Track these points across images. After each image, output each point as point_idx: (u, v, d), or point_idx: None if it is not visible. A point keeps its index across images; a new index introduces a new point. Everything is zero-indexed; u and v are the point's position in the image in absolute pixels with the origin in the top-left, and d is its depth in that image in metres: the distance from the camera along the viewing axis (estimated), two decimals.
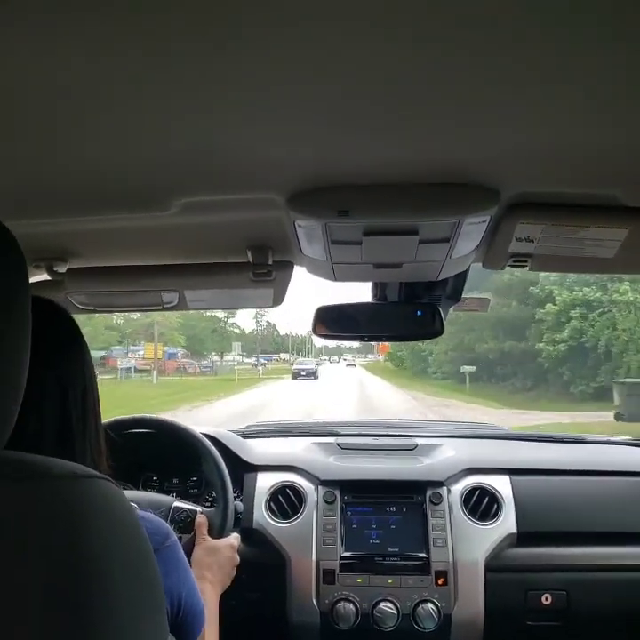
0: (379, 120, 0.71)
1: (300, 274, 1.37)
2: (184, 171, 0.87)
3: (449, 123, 0.73)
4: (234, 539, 1.42)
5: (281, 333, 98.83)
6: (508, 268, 1.23)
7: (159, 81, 0.61)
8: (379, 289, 1.54)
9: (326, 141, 0.78)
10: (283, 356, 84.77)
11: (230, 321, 62.00)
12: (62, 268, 1.27)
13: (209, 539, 1.37)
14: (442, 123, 0.73)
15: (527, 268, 1.20)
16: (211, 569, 1.29)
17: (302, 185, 0.92)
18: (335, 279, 1.29)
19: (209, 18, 0.50)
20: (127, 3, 0.47)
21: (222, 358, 54.60)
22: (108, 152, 0.79)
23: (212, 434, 1.73)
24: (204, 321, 51.12)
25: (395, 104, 0.67)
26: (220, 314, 54.78)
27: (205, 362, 49.38)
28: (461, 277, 1.46)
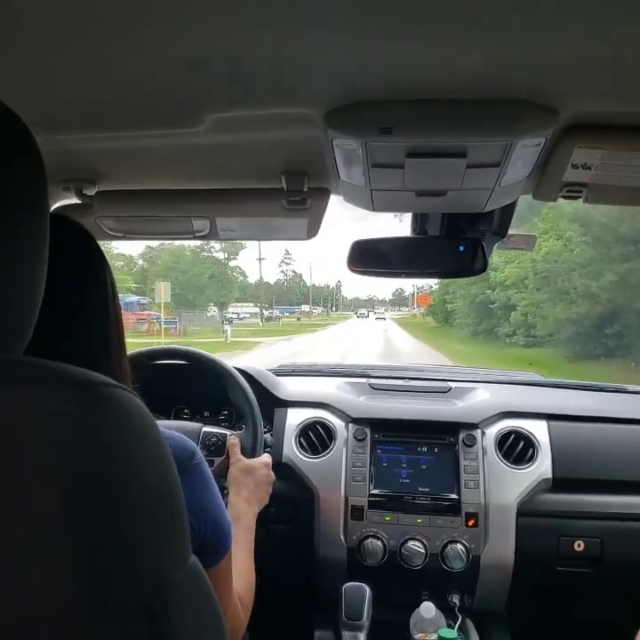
0: (425, 25, 0.64)
1: (333, 210, 1.34)
2: (215, 81, 0.81)
3: (502, 30, 0.65)
4: (267, 457, 1.44)
5: (308, 284, 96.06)
6: (559, 199, 1.15)
7: None
8: (419, 222, 1.46)
9: (368, 49, 0.71)
10: (304, 307, 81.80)
11: (232, 264, 54.71)
12: (91, 191, 1.24)
13: (243, 458, 1.39)
14: (495, 30, 0.65)
15: (581, 199, 1.12)
16: (248, 487, 1.31)
17: (341, 99, 0.85)
18: (374, 209, 1.22)
19: None
20: None
21: (221, 311, 46.32)
22: (137, 61, 0.74)
23: (243, 368, 1.72)
24: (197, 265, 45.26)
25: (439, 7, 0.61)
26: (222, 255, 50.17)
27: (208, 315, 41.56)
28: (508, 211, 1.37)
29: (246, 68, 0.76)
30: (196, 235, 1.39)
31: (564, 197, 1.12)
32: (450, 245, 1.42)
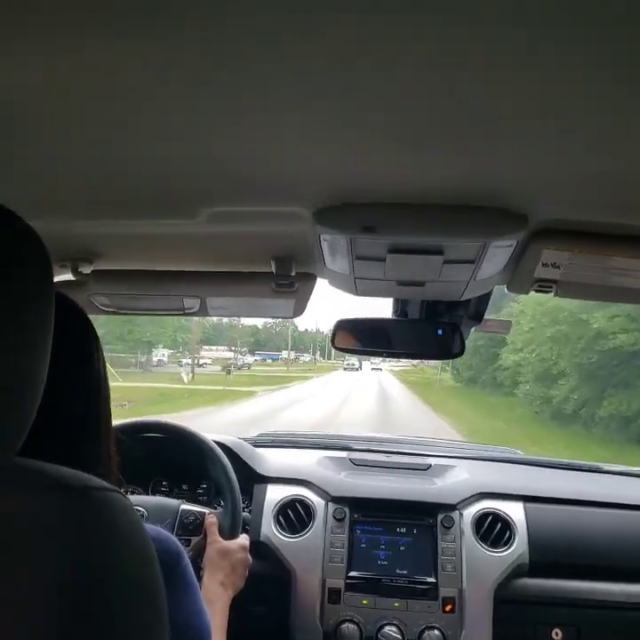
0: (408, 140, 0.71)
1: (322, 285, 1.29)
2: (214, 181, 0.87)
3: (480, 146, 0.72)
4: (244, 539, 1.41)
5: (300, 329, 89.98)
6: (531, 292, 1.21)
7: (195, 91, 0.60)
8: (400, 305, 1.53)
9: (355, 158, 0.77)
10: (285, 353, 71.69)
11: None
12: (87, 269, 1.28)
13: (220, 539, 1.36)
14: (473, 146, 0.72)
15: (552, 293, 1.18)
16: (224, 570, 1.29)
17: (330, 200, 0.91)
18: (357, 293, 1.28)
19: (246, 31, 0.50)
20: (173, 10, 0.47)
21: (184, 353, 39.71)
22: (140, 159, 0.80)
23: (222, 441, 1.72)
24: None
25: (425, 124, 0.67)
26: None
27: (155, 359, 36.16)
28: (485, 299, 1.44)
29: (243, 169, 0.82)
30: (187, 312, 1.43)
31: (536, 291, 1.18)
32: (429, 329, 1.47)
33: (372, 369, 61.07)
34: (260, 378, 33.73)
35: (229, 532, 1.42)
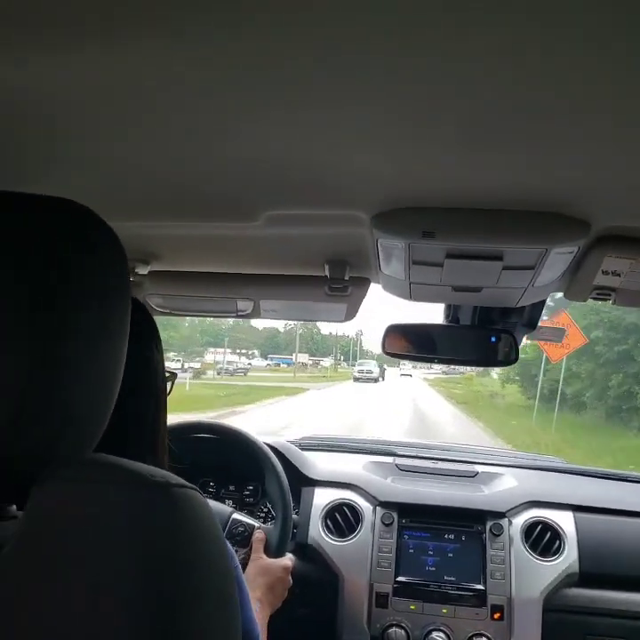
0: (469, 144, 0.71)
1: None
2: (273, 184, 0.88)
3: (541, 151, 0.72)
4: (289, 560, 1.40)
5: (323, 332, 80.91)
6: (589, 300, 1.20)
7: (255, 92, 0.61)
8: (452, 311, 1.53)
9: (415, 162, 0.78)
10: (302, 357, 65.22)
11: None
12: (144, 270, 1.31)
13: (264, 557, 1.35)
14: (534, 151, 0.72)
15: (611, 301, 1.17)
16: (262, 588, 1.27)
17: (388, 204, 0.92)
18: (411, 299, 1.28)
19: (306, 37, 0.50)
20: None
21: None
22: (198, 160, 0.81)
23: (273, 444, 1.73)
24: None
25: (486, 128, 0.67)
26: None
27: None
28: (539, 306, 1.43)
29: (302, 172, 0.83)
30: (240, 314, 1.46)
31: (594, 299, 1.17)
32: (482, 335, 1.47)
33: (402, 375, 52.97)
34: (229, 389, 23.70)
35: (276, 550, 1.39)
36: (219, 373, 37.55)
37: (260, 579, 1.29)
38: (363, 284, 1.31)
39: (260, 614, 1.21)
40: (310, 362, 67.71)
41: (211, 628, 0.46)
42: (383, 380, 39.03)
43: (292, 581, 1.36)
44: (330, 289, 1.28)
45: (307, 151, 0.76)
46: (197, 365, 38.73)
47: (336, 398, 23.83)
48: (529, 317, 1.47)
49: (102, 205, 0.79)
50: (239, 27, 0.49)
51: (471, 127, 0.67)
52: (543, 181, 0.81)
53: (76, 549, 0.43)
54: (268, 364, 56.33)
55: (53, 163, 0.84)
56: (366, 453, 2.05)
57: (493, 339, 1.43)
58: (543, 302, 1.42)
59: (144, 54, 0.54)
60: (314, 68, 0.55)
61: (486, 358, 1.49)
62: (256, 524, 1.44)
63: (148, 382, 0.77)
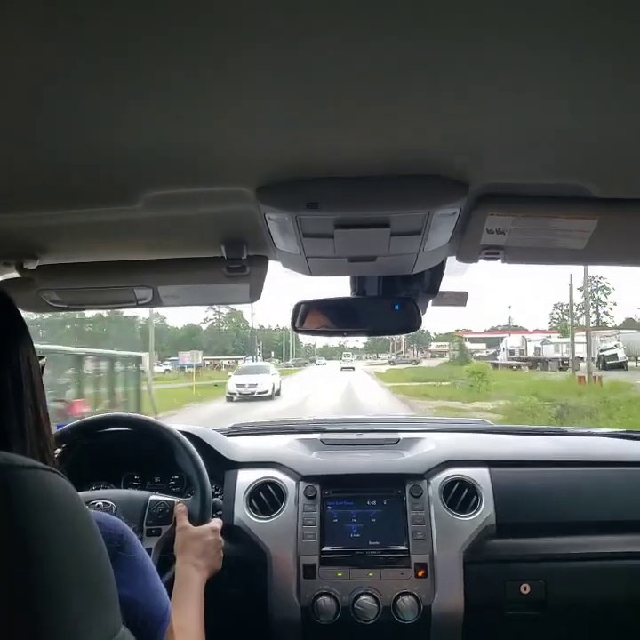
0: (346, 111, 0.72)
1: (276, 267, 1.31)
2: (152, 163, 0.86)
3: (417, 114, 0.73)
4: (216, 522, 1.43)
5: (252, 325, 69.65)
6: (480, 260, 1.24)
7: (127, 74, 0.60)
8: (358, 283, 1.55)
9: (294, 132, 0.78)
10: (247, 360, 52.52)
11: None
12: (32, 265, 1.26)
13: (189, 525, 1.38)
14: (410, 114, 0.73)
15: (499, 260, 1.21)
16: (195, 552, 1.31)
17: (271, 177, 0.92)
18: (311, 273, 1.29)
19: (190, 14, 0.50)
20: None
21: None
22: (77, 145, 0.79)
23: (190, 431, 1.72)
24: None
25: (364, 95, 0.67)
26: None
27: None
28: (438, 271, 1.47)
29: (177, 149, 0.81)
30: (139, 303, 1.42)
31: (485, 259, 1.21)
32: (386, 305, 1.50)
33: (343, 368, 46.47)
34: None
35: (199, 518, 1.43)
36: None
37: (190, 544, 1.32)
38: (261, 262, 1.30)
39: (197, 577, 1.24)
40: (206, 362, 52.14)
41: (64, 606, 0.44)
42: (279, 395, 22.08)
43: (223, 541, 1.40)
44: (228, 270, 1.27)
45: (179, 128, 0.75)
46: None
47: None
48: (430, 283, 1.51)
49: None
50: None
51: (342, 96, 0.68)
52: (417, 145, 0.83)
53: None
54: (166, 370, 44.66)
55: None
56: (295, 433, 2.06)
57: (397, 307, 1.47)
58: (442, 267, 1.46)
59: (14, 40, 0.52)
60: (179, 44, 0.55)
61: (391, 326, 1.53)
62: (176, 500, 1.46)
63: (10, 365, 0.72)
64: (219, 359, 58.60)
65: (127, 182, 0.92)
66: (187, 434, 1.61)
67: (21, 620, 0.41)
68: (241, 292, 1.40)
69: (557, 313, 64.07)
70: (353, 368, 46.51)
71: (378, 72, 0.62)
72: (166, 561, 1.38)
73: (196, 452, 1.54)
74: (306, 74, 0.62)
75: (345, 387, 25.48)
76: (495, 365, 35.80)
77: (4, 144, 0.78)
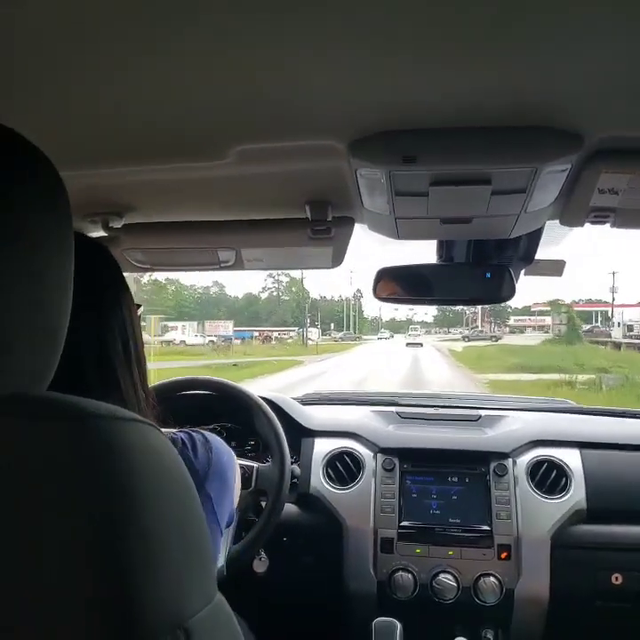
0: (447, 54, 0.65)
1: (359, 235, 1.26)
2: (241, 115, 0.82)
3: (525, 56, 0.65)
4: None
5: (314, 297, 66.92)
6: (586, 224, 1.14)
7: (212, 26, 0.58)
8: (445, 249, 1.46)
9: (390, 80, 0.71)
10: (313, 330, 53.73)
11: None
12: (118, 224, 1.25)
13: None
14: (517, 56, 0.65)
15: (608, 224, 1.10)
16: None
17: (365, 130, 0.86)
18: (399, 237, 1.22)
19: None
20: None
21: None
22: (164, 97, 0.76)
23: (270, 397, 1.72)
24: None
25: (465, 35, 0.60)
26: None
27: None
28: (535, 237, 1.36)
29: (269, 100, 0.77)
30: (222, 265, 1.40)
31: (592, 222, 1.11)
32: (476, 272, 1.41)
33: (408, 344, 41.07)
34: None
35: (277, 488, 1.43)
36: None
37: None
38: (347, 223, 1.25)
39: None
40: (275, 335, 53.43)
41: (165, 567, 0.42)
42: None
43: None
44: (312, 231, 1.23)
45: (271, 80, 0.71)
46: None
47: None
48: (525, 250, 1.41)
49: (64, 154, 0.74)
50: None
51: (447, 37, 0.61)
52: (526, 92, 0.75)
53: (13, 481, 0.40)
54: (210, 341, 41.23)
55: (11, 110, 0.78)
56: (369, 405, 2.02)
57: (488, 275, 1.37)
58: (540, 233, 1.35)
59: None
60: None
61: (481, 295, 1.44)
62: (255, 465, 1.47)
63: (114, 323, 0.76)
64: (271, 331, 56.24)
65: (217, 136, 0.89)
66: (265, 399, 1.60)
67: (120, 575, 0.39)
68: (324, 256, 1.35)
69: None
70: (420, 344, 41.29)
71: (479, 10, 0.55)
72: (246, 523, 1.39)
73: (275, 418, 1.52)
74: (401, 16, 0.57)
75: (409, 373, 19.75)
76: (616, 345, 30.78)
77: (90, 100, 0.76)
